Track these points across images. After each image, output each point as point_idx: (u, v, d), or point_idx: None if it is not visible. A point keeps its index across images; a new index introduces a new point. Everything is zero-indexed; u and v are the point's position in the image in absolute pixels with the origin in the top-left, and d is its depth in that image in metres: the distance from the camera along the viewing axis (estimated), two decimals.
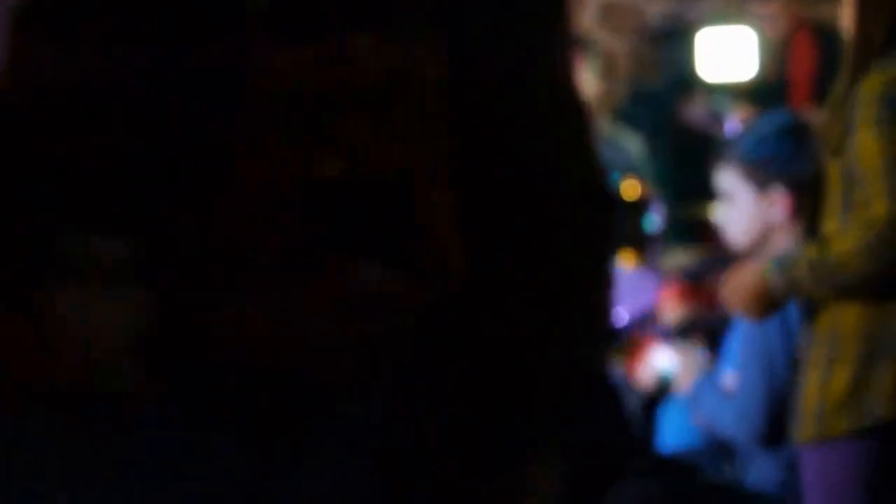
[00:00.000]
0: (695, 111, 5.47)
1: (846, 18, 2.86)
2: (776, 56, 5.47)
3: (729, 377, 3.49)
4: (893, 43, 2.75)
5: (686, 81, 5.50)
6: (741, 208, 3.34)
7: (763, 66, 5.36)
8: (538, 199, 1.26)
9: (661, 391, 3.88)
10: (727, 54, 5.34)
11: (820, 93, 5.28)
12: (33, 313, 1.18)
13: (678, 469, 2.61)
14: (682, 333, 3.70)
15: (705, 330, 3.71)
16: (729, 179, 3.37)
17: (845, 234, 2.72)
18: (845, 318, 2.77)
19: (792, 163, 3.29)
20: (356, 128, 1.21)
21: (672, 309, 3.78)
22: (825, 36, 5.39)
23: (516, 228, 1.26)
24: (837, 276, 2.72)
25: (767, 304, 2.89)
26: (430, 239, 1.20)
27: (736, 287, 2.93)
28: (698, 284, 3.91)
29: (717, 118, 5.41)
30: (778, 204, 3.30)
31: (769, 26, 5.43)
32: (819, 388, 2.78)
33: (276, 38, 1.20)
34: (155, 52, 1.17)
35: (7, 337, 1.18)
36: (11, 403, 1.17)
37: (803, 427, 2.81)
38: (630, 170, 5.09)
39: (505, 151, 1.27)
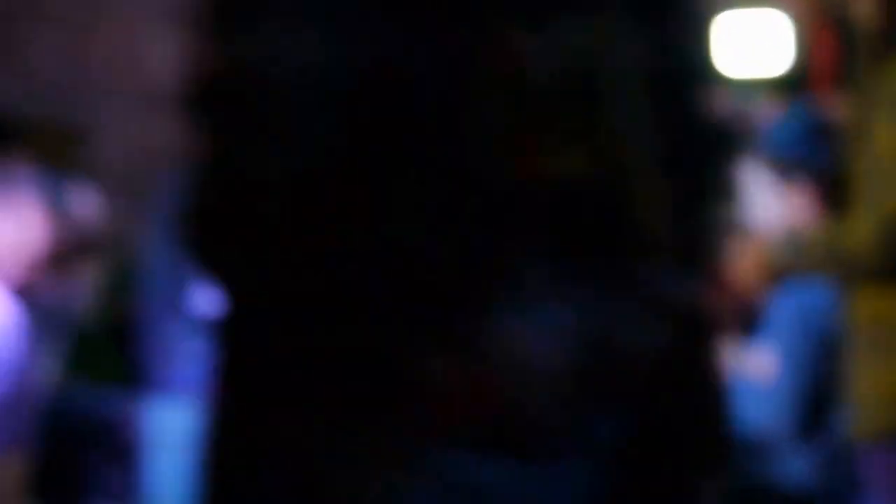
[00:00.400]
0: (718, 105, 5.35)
1: (861, 9, 2.85)
2: (803, 46, 5.30)
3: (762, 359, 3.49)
4: None
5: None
6: (765, 199, 3.35)
7: (797, 56, 5.12)
8: None
9: None
10: (753, 44, 4.86)
11: (842, 83, 5.31)
12: (469, 346, 1.13)
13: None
14: None
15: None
16: (753, 171, 3.39)
17: (860, 226, 2.72)
18: (891, 310, 2.74)
19: (815, 157, 3.33)
20: (593, 121, 1.19)
21: None
22: (845, 27, 5.41)
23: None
24: (846, 265, 2.73)
25: (773, 275, 2.95)
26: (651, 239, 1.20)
27: (745, 256, 2.95)
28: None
29: (742, 116, 5.30)
30: (802, 197, 3.32)
31: (795, 15, 5.39)
32: (876, 380, 2.75)
33: (517, 24, 1.18)
34: (407, 36, 1.13)
35: (445, 373, 1.14)
36: (455, 440, 1.12)
37: (863, 422, 2.78)
38: None
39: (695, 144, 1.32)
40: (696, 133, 1.32)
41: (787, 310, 3.32)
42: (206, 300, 4.15)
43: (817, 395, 3.25)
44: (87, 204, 3.12)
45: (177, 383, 4.25)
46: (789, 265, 2.89)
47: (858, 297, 2.79)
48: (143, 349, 4.33)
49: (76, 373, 4.65)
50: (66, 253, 3.05)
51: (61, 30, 5.63)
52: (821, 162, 3.33)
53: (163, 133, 5.58)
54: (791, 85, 5.40)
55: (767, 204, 3.35)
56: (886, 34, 2.77)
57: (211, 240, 1.19)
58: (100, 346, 4.90)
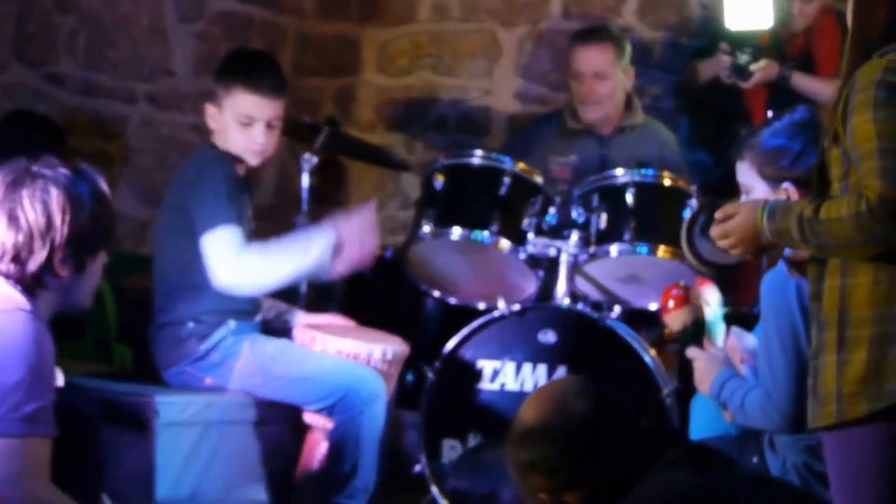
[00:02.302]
0: (716, 64, 5.44)
1: (850, 15, 2.95)
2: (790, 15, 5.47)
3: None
4: (889, 38, 2.83)
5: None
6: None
7: (780, 14, 5.35)
8: None
9: (693, 341, 3.83)
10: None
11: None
12: None
13: (715, 458, 2.66)
14: (691, 337, 3.70)
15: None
16: (746, 174, 3.41)
17: (839, 203, 2.78)
18: (854, 301, 2.82)
19: (804, 159, 3.31)
20: None
21: (677, 315, 3.78)
22: (845, 18, 5.46)
23: None
24: (823, 238, 2.79)
25: (756, 243, 2.98)
26: None
27: (729, 224, 3.01)
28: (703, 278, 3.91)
29: (741, 72, 5.37)
30: (792, 199, 3.29)
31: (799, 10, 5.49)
32: (836, 371, 2.82)
33: None
34: None
35: None
36: None
37: (823, 411, 2.85)
38: (666, 163, 5.14)
39: None
40: None
41: (774, 300, 3.36)
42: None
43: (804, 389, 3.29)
44: (105, 187, 3.14)
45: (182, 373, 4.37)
46: (771, 239, 2.92)
47: (826, 294, 2.87)
48: (153, 340, 4.42)
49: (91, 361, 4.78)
50: (82, 246, 3.07)
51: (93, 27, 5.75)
52: (810, 164, 3.31)
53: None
54: (792, 56, 5.50)
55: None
56: (863, 41, 2.86)
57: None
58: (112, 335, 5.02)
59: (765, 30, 5.39)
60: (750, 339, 3.53)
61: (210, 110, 4.43)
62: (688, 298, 3.77)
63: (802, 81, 5.42)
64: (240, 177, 4.42)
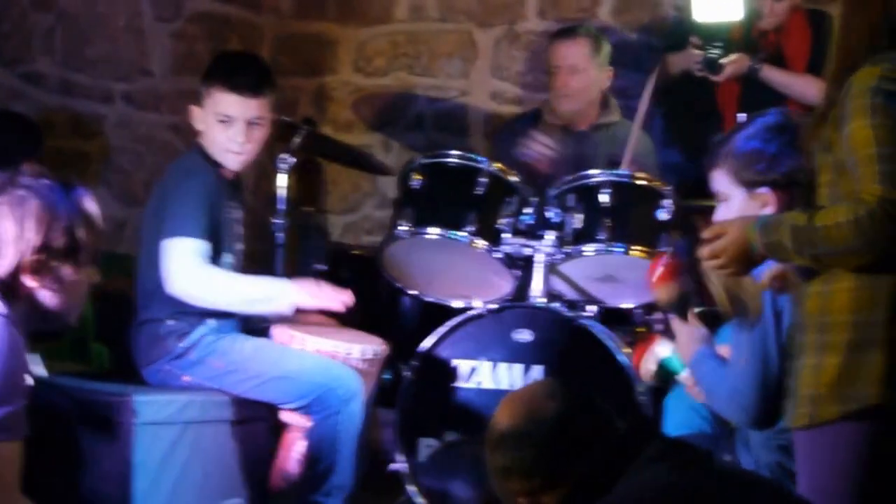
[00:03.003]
0: (687, 57, 5.46)
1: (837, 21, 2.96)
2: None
3: (724, 349, 3.57)
4: (880, 46, 2.85)
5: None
6: (734, 209, 3.36)
7: (750, 7, 5.37)
8: None
9: (665, 382, 3.95)
10: None
11: (812, 67, 5.43)
12: None
13: (693, 454, 2.69)
14: (677, 308, 3.72)
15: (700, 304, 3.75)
16: (722, 182, 3.41)
17: (835, 209, 2.77)
18: (834, 306, 2.84)
19: (781, 162, 3.32)
20: None
21: (665, 287, 3.79)
22: (817, 17, 5.53)
23: None
24: (820, 246, 2.78)
25: (748, 259, 2.94)
26: None
27: (719, 243, 2.97)
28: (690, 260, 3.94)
29: (711, 66, 5.39)
30: (770, 204, 3.33)
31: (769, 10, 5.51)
32: (812, 373, 2.85)
33: None
34: None
35: None
36: None
37: (798, 412, 2.88)
38: (638, 163, 5.16)
39: None
40: None
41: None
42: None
43: (771, 389, 3.30)
44: (92, 205, 3.16)
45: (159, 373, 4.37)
46: (763, 253, 2.90)
47: (809, 298, 2.89)
48: (133, 338, 4.43)
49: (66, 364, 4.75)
50: (55, 258, 3.10)
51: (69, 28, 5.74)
52: (785, 168, 3.31)
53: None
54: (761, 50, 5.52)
55: (736, 211, 3.33)
56: (848, 52, 2.87)
57: None
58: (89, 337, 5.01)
59: (736, 23, 5.40)
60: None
61: (195, 111, 4.45)
62: (675, 271, 3.78)
63: (773, 74, 5.44)
64: (227, 180, 4.45)
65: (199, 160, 4.41)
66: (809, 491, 2.86)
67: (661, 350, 3.86)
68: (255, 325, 4.52)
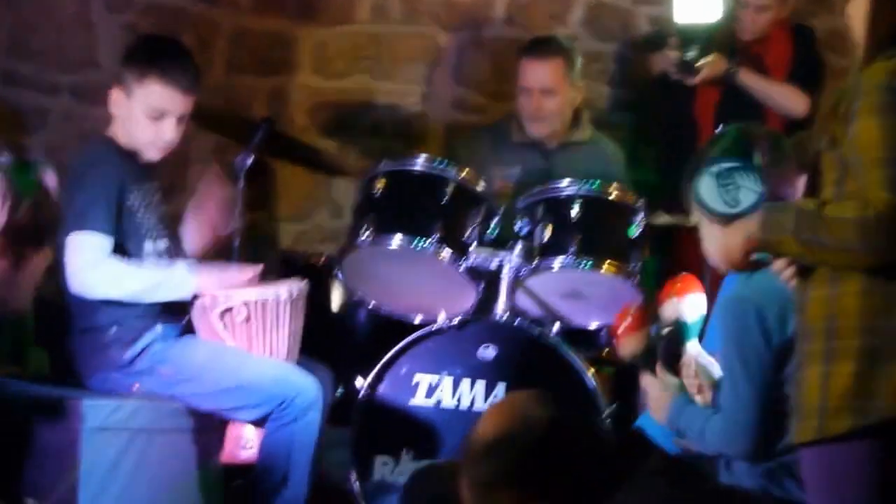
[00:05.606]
0: (666, 59, 5.40)
1: (854, 24, 2.83)
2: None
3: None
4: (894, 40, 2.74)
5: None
6: (716, 230, 3.14)
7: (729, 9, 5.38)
8: None
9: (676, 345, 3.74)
10: None
11: (792, 79, 5.44)
12: None
13: (691, 471, 2.59)
14: (643, 361, 3.62)
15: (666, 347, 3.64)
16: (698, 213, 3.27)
17: (844, 205, 2.67)
18: (843, 310, 2.70)
19: (762, 173, 3.24)
20: None
21: (630, 339, 3.75)
22: (801, 31, 5.56)
23: None
24: (819, 234, 2.67)
25: (747, 250, 2.87)
26: None
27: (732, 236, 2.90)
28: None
29: (687, 68, 5.34)
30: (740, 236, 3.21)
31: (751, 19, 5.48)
32: (820, 383, 2.70)
33: None
34: None
35: None
36: None
37: (803, 425, 2.73)
38: (611, 176, 5.04)
39: None
40: None
41: (735, 324, 3.27)
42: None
43: (768, 414, 3.20)
44: (53, 182, 3.05)
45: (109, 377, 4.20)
46: (764, 235, 2.80)
47: (812, 299, 2.75)
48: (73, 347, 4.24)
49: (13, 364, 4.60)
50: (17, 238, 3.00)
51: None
52: (766, 179, 3.22)
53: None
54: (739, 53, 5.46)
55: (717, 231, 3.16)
56: (877, 44, 2.75)
57: None
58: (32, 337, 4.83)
59: (718, 30, 5.40)
60: (716, 370, 3.42)
61: (116, 96, 4.23)
62: (641, 324, 3.72)
63: (749, 79, 5.44)
64: (140, 166, 4.24)
65: (106, 149, 4.19)
66: None
67: (697, 301, 3.62)
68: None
